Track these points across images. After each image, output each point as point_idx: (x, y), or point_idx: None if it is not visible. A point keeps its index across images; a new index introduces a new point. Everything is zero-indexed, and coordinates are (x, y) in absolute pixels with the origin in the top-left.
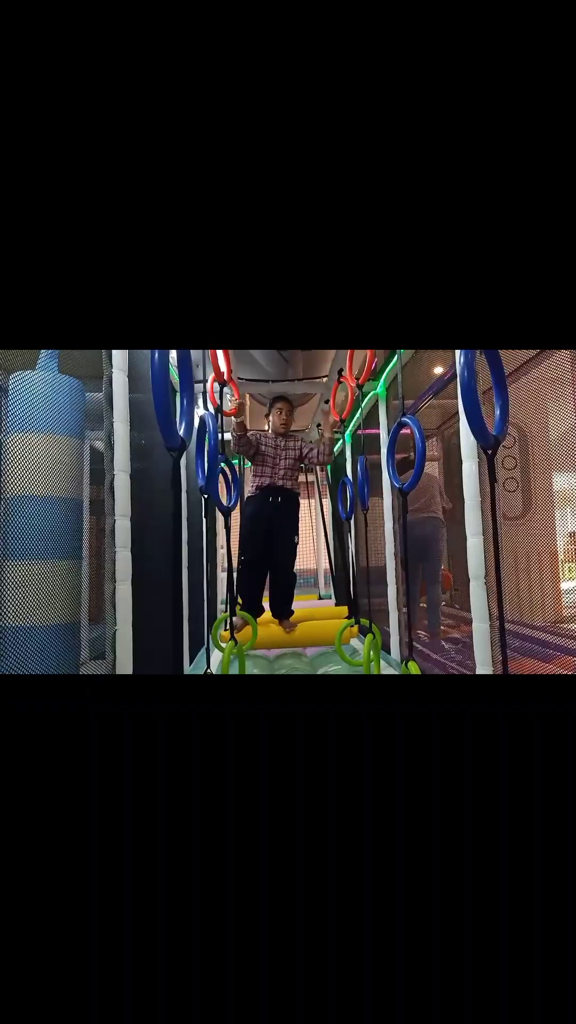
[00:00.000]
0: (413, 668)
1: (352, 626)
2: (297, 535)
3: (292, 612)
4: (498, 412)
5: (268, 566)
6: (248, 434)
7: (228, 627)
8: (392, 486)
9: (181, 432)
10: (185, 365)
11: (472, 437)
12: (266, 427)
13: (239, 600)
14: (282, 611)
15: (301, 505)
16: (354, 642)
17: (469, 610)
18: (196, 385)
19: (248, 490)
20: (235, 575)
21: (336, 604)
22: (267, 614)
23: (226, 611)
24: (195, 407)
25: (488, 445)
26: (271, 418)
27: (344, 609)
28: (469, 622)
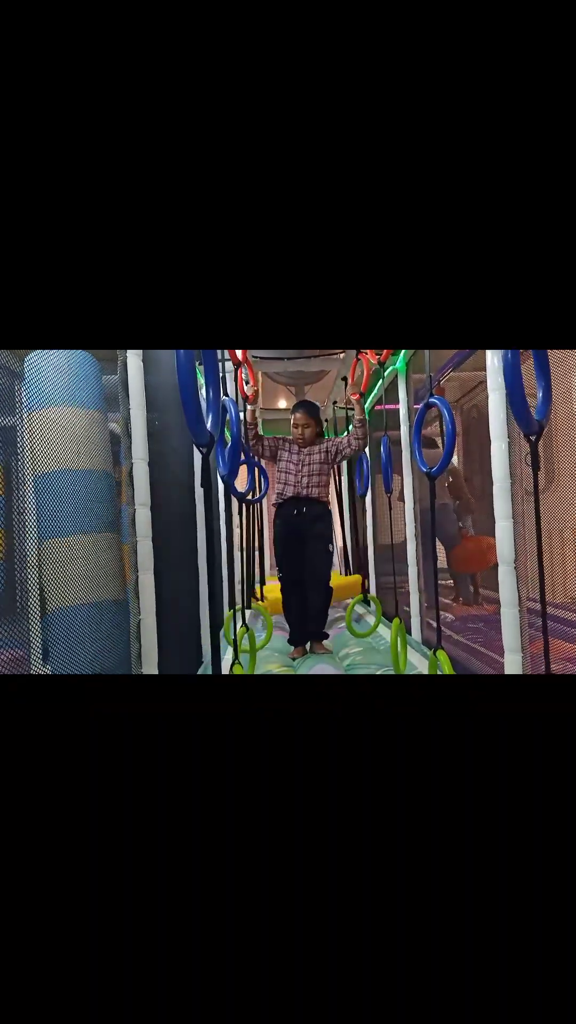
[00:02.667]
0: (443, 658)
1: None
2: (332, 544)
3: (327, 635)
4: (541, 394)
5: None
6: (265, 441)
7: (235, 627)
8: (417, 470)
9: (209, 426)
10: (210, 355)
11: (503, 415)
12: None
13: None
14: (317, 632)
15: (332, 513)
16: (359, 608)
17: (492, 590)
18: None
19: (273, 497)
20: (247, 567)
21: (346, 574)
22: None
23: (238, 606)
24: (220, 397)
25: (532, 431)
26: (293, 428)
27: (355, 578)
28: (493, 601)
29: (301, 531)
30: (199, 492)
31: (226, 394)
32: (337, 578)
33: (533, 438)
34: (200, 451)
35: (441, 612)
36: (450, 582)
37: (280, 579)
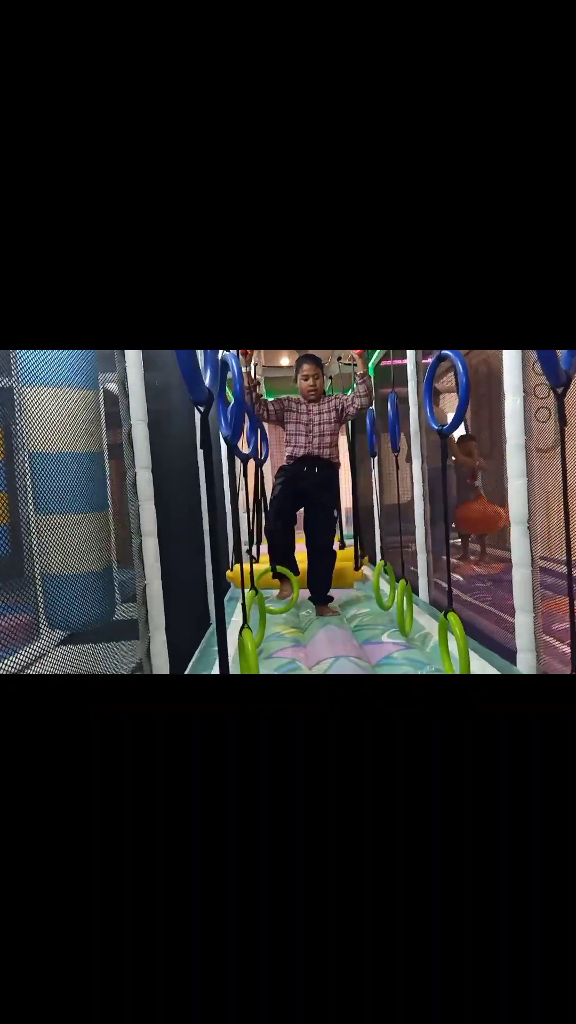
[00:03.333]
0: (454, 619)
1: (359, 568)
2: (337, 509)
3: (332, 598)
4: None
5: (304, 531)
6: (269, 405)
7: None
8: (427, 427)
9: (206, 383)
10: None
11: (518, 368)
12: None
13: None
14: (321, 595)
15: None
16: (366, 571)
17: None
18: None
19: (282, 459)
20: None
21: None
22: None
23: (243, 560)
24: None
25: (560, 382)
26: (298, 383)
27: (346, 561)
28: (500, 560)
29: (310, 490)
30: (201, 452)
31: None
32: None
33: (560, 390)
34: (198, 410)
35: (458, 577)
36: (456, 541)
37: (272, 531)
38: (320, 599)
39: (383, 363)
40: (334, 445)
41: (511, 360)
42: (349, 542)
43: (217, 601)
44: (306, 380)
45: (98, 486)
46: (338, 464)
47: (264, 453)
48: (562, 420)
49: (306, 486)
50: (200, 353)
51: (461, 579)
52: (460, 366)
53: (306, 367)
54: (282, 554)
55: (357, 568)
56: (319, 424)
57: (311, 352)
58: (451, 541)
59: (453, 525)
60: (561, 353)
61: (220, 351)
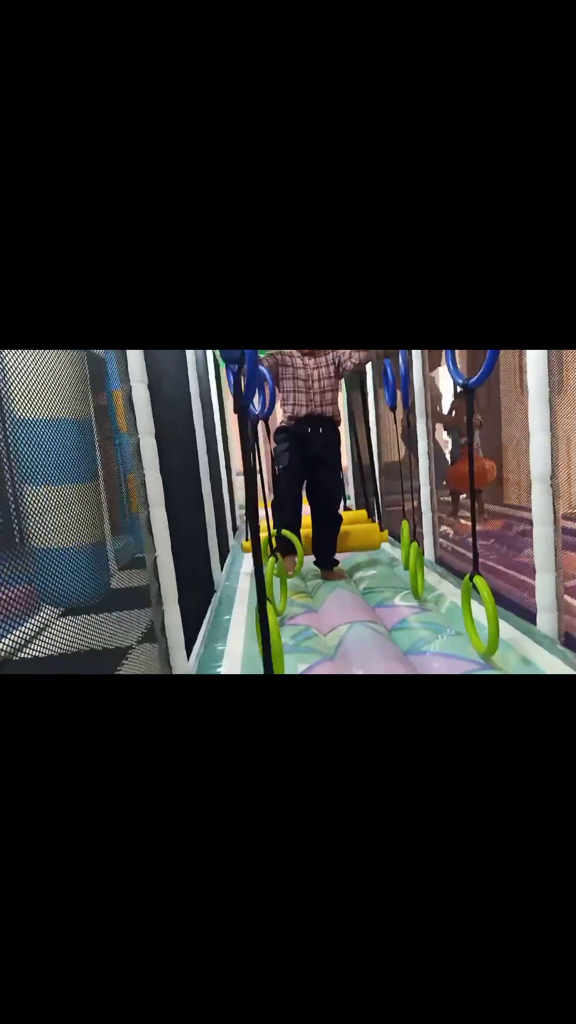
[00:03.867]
0: (481, 583)
1: (383, 530)
2: (341, 469)
3: (338, 562)
4: None
5: (307, 495)
6: (264, 361)
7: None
8: (432, 384)
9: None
10: None
11: None
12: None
13: (269, 527)
14: (326, 559)
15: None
16: (384, 547)
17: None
18: None
19: (280, 419)
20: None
21: (358, 508)
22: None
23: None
24: None
25: None
26: None
27: (372, 527)
28: (497, 516)
29: (313, 453)
30: (197, 416)
31: None
32: (348, 515)
33: None
34: (230, 371)
35: (444, 529)
36: (447, 499)
37: (283, 505)
38: (326, 563)
39: None
40: (335, 402)
41: None
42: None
43: (257, 576)
44: None
45: (86, 456)
46: (339, 421)
47: (269, 407)
48: None
49: (311, 449)
50: None
51: (453, 534)
52: None
53: None
54: (290, 524)
55: (382, 528)
56: (318, 380)
57: None
58: (464, 501)
59: (444, 483)
60: None
61: None
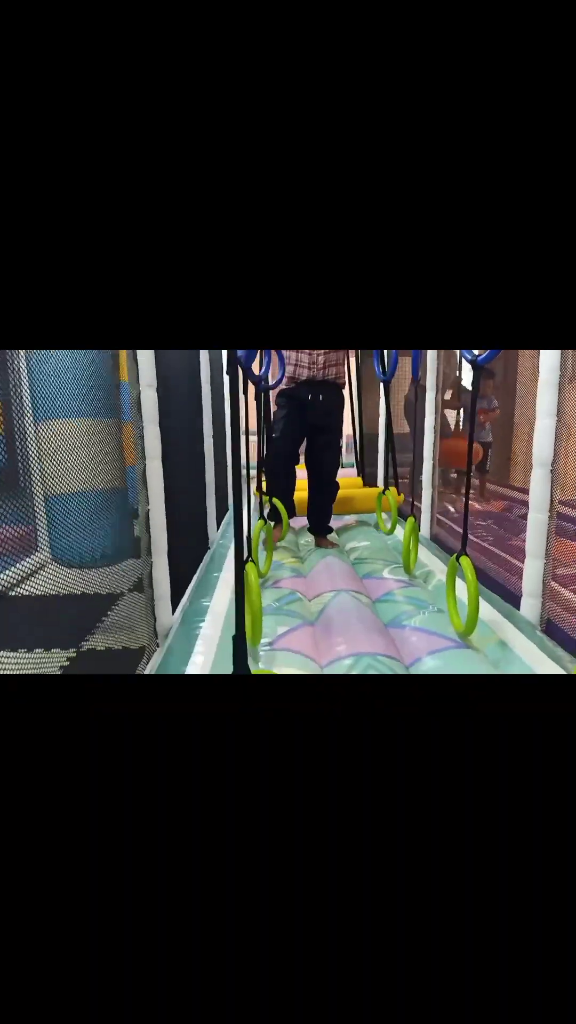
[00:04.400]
0: (467, 564)
1: (384, 494)
2: (342, 436)
3: (331, 529)
4: None
5: (305, 460)
6: None
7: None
8: (441, 356)
9: None
10: None
11: None
12: None
13: (265, 492)
14: (321, 525)
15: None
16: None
17: (500, 486)
18: None
19: (283, 381)
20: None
21: (359, 474)
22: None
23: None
24: None
25: None
26: None
27: (373, 492)
28: (501, 497)
29: (314, 417)
30: (205, 373)
31: None
32: (356, 489)
33: None
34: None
35: (446, 505)
36: (453, 475)
37: (274, 471)
38: (320, 530)
39: None
40: (340, 363)
41: None
42: (350, 469)
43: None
44: None
45: (108, 392)
46: (343, 384)
47: (280, 375)
48: None
49: (311, 416)
50: None
51: (457, 513)
52: None
53: None
54: (281, 494)
55: (384, 491)
56: None
57: None
58: (456, 477)
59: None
60: None
61: None
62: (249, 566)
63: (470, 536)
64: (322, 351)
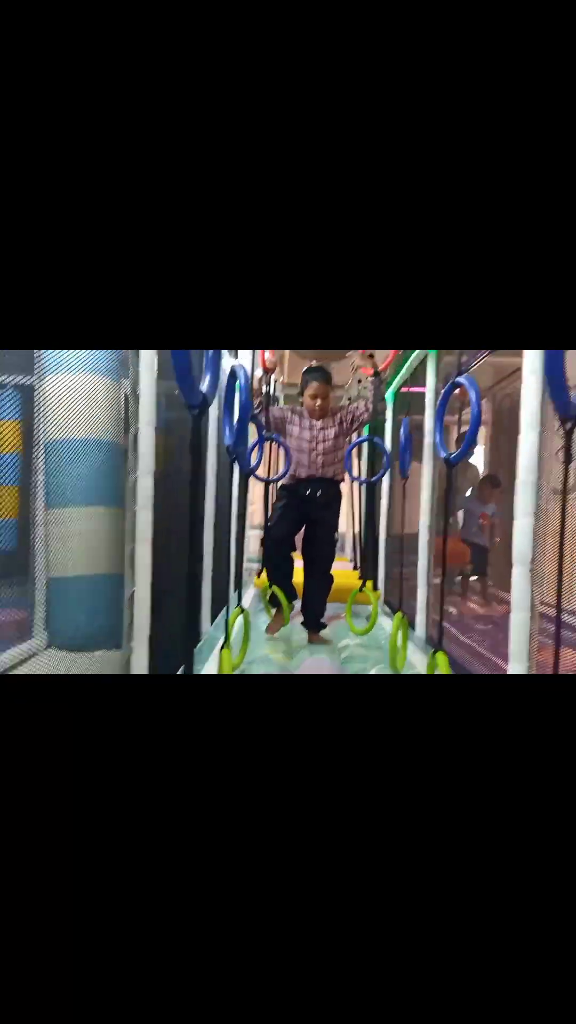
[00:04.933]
0: (441, 660)
1: (361, 591)
2: (337, 530)
3: (324, 625)
4: None
5: (302, 552)
6: (273, 412)
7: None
8: (439, 456)
9: (204, 388)
10: None
11: (537, 402)
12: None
13: (262, 577)
14: (315, 620)
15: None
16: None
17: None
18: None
19: (285, 479)
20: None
21: (354, 567)
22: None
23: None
24: (221, 357)
25: (568, 414)
26: (304, 399)
27: (353, 573)
28: (503, 601)
29: (311, 512)
30: (212, 464)
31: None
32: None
33: (569, 424)
34: (191, 412)
35: (449, 609)
36: (459, 578)
37: (272, 561)
38: (313, 625)
39: (403, 389)
40: (339, 461)
41: (531, 391)
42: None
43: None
44: (313, 399)
45: (116, 479)
46: (341, 480)
47: (285, 469)
48: (568, 458)
49: (308, 510)
50: (203, 355)
51: (464, 619)
52: (473, 393)
53: (314, 385)
54: (281, 581)
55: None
56: (323, 441)
57: (320, 366)
58: (456, 578)
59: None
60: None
61: (230, 360)
62: (223, 653)
63: (466, 638)
64: (321, 451)
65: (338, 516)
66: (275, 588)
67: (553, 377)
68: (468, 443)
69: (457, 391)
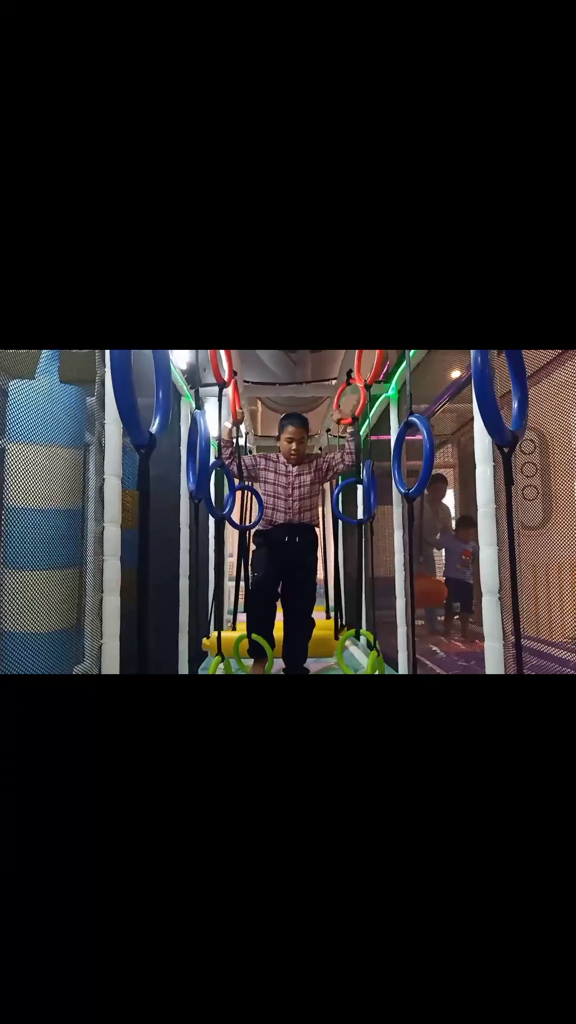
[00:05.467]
0: None
1: (349, 638)
2: (316, 575)
3: (307, 671)
4: (516, 406)
5: (281, 599)
6: (246, 460)
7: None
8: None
9: (154, 429)
10: (161, 354)
11: (487, 439)
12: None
13: (236, 626)
14: (297, 666)
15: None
16: (354, 651)
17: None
18: (209, 389)
19: (260, 523)
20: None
21: (328, 617)
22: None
23: (214, 629)
24: (170, 401)
25: (504, 442)
26: (280, 443)
27: (328, 622)
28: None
29: (288, 559)
30: (183, 515)
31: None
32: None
33: (506, 450)
34: (139, 452)
35: (432, 647)
36: (441, 617)
37: (255, 609)
38: (296, 670)
39: (372, 437)
40: (314, 507)
41: (483, 428)
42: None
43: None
44: (290, 442)
45: (73, 543)
46: (317, 526)
47: (258, 517)
48: (508, 480)
49: (288, 556)
50: (156, 387)
51: (443, 655)
52: (424, 431)
53: (290, 429)
54: (261, 628)
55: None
56: (299, 487)
57: (296, 412)
58: (438, 617)
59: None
60: (512, 415)
61: (190, 411)
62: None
63: (443, 673)
64: (297, 497)
65: (315, 562)
66: (256, 636)
67: (484, 406)
68: (424, 477)
69: (415, 434)
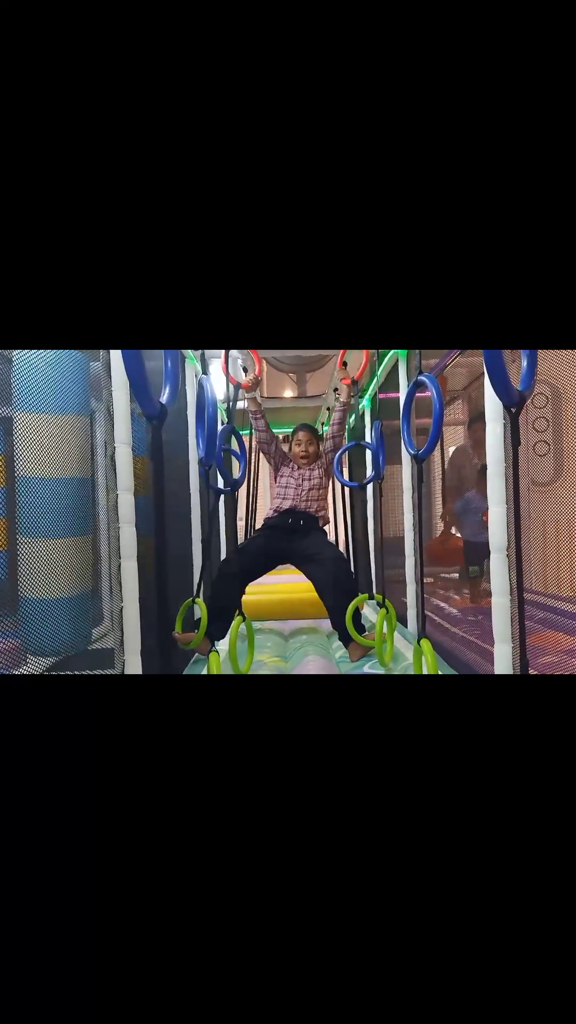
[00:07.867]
0: (426, 647)
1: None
2: (331, 550)
3: (363, 628)
4: (525, 365)
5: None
6: (282, 447)
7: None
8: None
9: (164, 398)
10: None
11: (496, 397)
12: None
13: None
14: (343, 634)
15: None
16: (366, 611)
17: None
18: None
19: (268, 512)
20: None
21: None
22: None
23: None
24: (179, 369)
25: (512, 402)
26: (292, 447)
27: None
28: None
29: (292, 542)
30: (193, 484)
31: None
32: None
33: (513, 410)
34: (150, 423)
35: (443, 604)
36: (454, 576)
37: (225, 572)
38: (344, 639)
39: (380, 395)
40: (322, 499)
41: (491, 385)
42: None
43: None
44: (299, 446)
45: (84, 511)
46: (325, 521)
47: (240, 475)
48: (515, 440)
49: (287, 541)
50: (165, 357)
51: (456, 612)
52: (434, 390)
53: (301, 435)
54: (219, 608)
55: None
56: (309, 479)
57: (307, 423)
58: (443, 575)
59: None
60: (521, 374)
61: (198, 373)
62: (211, 656)
63: (456, 629)
64: (305, 488)
65: (326, 539)
66: (199, 601)
67: (492, 371)
68: (433, 439)
69: (423, 392)
